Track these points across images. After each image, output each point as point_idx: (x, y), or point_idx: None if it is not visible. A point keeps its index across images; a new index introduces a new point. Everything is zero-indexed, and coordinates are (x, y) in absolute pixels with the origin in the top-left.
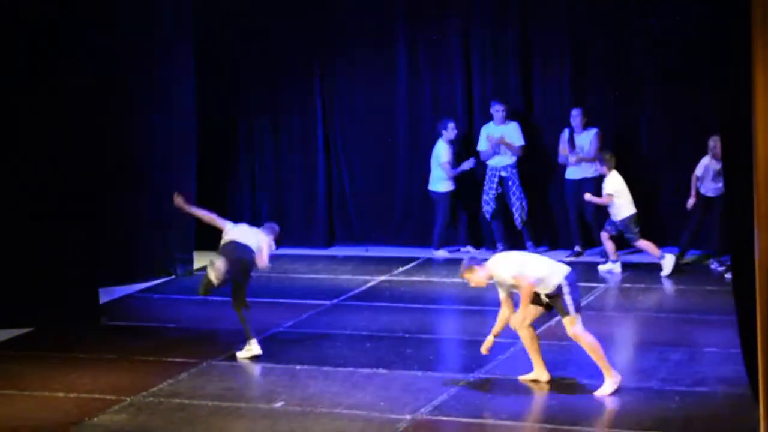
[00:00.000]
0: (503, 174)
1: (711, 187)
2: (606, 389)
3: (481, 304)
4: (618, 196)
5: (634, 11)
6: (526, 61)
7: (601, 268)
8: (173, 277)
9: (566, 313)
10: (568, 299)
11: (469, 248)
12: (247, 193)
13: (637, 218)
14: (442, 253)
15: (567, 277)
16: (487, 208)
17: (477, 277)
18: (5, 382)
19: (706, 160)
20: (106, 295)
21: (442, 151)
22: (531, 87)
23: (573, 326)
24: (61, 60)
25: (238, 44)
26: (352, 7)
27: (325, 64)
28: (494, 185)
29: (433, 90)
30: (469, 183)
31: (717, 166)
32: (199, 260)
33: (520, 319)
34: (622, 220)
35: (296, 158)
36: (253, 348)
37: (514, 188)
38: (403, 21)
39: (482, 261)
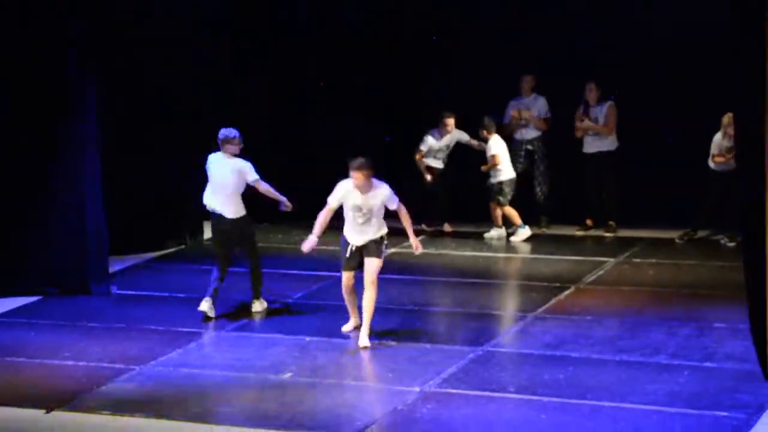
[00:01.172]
0: (529, 148)
1: (723, 164)
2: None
3: (491, 278)
4: (501, 160)
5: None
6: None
7: (487, 235)
8: (183, 246)
9: (379, 256)
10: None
11: (446, 226)
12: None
13: (511, 184)
14: (447, 228)
15: None
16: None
17: (364, 180)
18: (15, 350)
19: (718, 137)
20: (116, 264)
21: (426, 138)
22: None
23: (377, 271)
24: None
25: None
26: None
27: None
28: (520, 159)
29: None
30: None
31: (728, 142)
32: (209, 230)
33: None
34: (499, 182)
35: None
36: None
37: (538, 162)
38: None
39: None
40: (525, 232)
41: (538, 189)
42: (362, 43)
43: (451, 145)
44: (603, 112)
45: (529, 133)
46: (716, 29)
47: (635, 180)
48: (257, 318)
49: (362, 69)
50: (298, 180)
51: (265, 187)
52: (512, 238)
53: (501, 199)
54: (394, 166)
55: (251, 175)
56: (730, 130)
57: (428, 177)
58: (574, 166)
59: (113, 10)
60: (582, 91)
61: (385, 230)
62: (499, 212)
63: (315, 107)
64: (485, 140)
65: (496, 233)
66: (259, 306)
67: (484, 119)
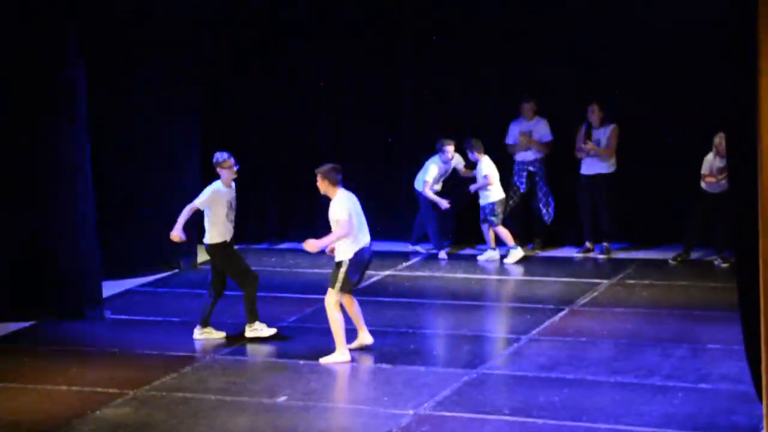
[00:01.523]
0: (531, 169)
1: (714, 184)
2: (330, 358)
3: (485, 300)
4: (493, 180)
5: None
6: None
7: (481, 257)
8: (177, 270)
9: (331, 285)
10: (342, 275)
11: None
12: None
13: (502, 204)
14: (418, 248)
15: (356, 255)
16: (510, 203)
17: (322, 186)
18: (8, 375)
19: (710, 157)
20: (109, 289)
21: (430, 168)
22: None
23: (328, 297)
24: None
25: None
26: None
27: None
28: (522, 180)
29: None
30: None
31: (720, 163)
32: (203, 254)
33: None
34: (491, 203)
35: None
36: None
37: (541, 184)
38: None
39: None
40: (517, 253)
41: (543, 211)
42: (362, 43)
43: (450, 171)
44: (606, 134)
45: (531, 155)
46: (716, 29)
47: (631, 201)
48: (249, 343)
49: (362, 69)
50: (298, 180)
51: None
52: (506, 260)
53: (494, 219)
54: (394, 167)
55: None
56: (722, 150)
57: (445, 203)
58: (568, 188)
59: (113, 10)
60: (582, 110)
61: (341, 257)
62: (492, 234)
63: (315, 108)
64: (473, 160)
65: (489, 255)
66: (249, 331)
67: (471, 140)
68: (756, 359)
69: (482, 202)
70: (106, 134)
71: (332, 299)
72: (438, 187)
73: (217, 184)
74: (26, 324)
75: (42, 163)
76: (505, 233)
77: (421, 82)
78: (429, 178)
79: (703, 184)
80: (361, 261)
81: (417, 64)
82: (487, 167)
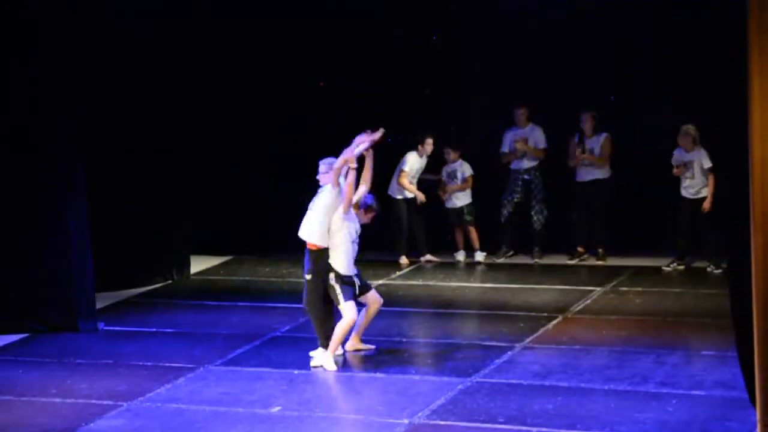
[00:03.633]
0: (526, 177)
1: (691, 190)
2: (319, 359)
3: (478, 308)
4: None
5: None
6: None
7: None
8: (170, 281)
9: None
10: (337, 291)
11: (428, 256)
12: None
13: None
14: (404, 261)
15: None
16: (504, 211)
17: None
18: (1, 388)
19: (675, 151)
20: (103, 300)
21: (409, 159)
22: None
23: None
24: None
25: None
26: None
27: None
28: (517, 188)
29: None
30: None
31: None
32: (195, 265)
33: None
34: (470, 203)
35: None
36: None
37: (536, 192)
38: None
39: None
40: (481, 255)
41: (535, 218)
42: (362, 43)
43: (424, 166)
44: (599, 142)
45: (526, 163)
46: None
47: (625, 208)
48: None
49: (362, 69)
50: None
51: None
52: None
53: (471, 219)
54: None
55: None
56: (683, 143)
57: (422, 197)
58: (561, 196)
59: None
60: (574, 117)
61: (334, 263)
62: (462, 236)
63: (315, 108)
64: (453, 161)
65: (462, 257)
66: (318, 357)
67: (452, 141)
68: (749, 365)
69: (458, 203)
70: (99, 146)
71: (345, 310)
72: (413, 182)
73: None
74: (20, 336)
75: (36, 178)
76: (475, 235)
77: (422, 82)
78: (406, 167)
79: (682, 191)
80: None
81: (416, 64)
82: (468, 168)
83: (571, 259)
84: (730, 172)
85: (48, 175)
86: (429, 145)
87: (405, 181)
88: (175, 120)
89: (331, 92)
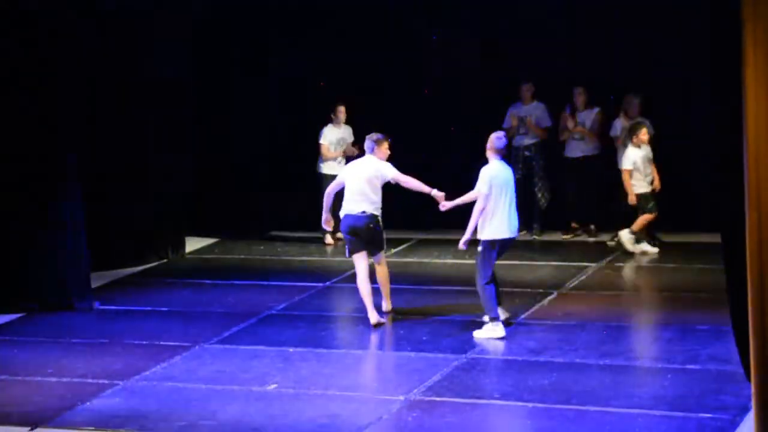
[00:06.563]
0: (527, 154)
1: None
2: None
3: (473, 285)
4: None
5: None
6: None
7: None
8: (165, 260)
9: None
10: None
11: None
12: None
13: None
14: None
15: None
16: None
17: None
18: None
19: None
20: (98, 279)
21: (324, 133)
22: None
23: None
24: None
25: None
26: None
27: None
28: (519, 165)
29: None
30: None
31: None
32: (190, 244)
33: None
34: None
35: None
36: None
37: (537, 168)
38: None
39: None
40: None
41: (539, 195)
42: (362, 43)
43: (346, 139)
44: (591, 117)
45: (527, 140)
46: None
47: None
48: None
49: (362, 69)
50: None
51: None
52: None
53: None
54: (396, 164)
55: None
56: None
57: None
58: (555, 172)
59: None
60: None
61: None
62: None
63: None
64: None
65: None
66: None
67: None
68: (744, 339)
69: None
70: (93, 125)
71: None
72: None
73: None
74: (15, 316)
75: (29, 158)
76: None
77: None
78: (323, 140)
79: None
80: (344, 228)
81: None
82: None
83: (565, 234)
84: (725, 151)
85: (41, 155)
86: (341, 113)
87: (324, 150)
88: (174, 96)
89: (331, 87)
